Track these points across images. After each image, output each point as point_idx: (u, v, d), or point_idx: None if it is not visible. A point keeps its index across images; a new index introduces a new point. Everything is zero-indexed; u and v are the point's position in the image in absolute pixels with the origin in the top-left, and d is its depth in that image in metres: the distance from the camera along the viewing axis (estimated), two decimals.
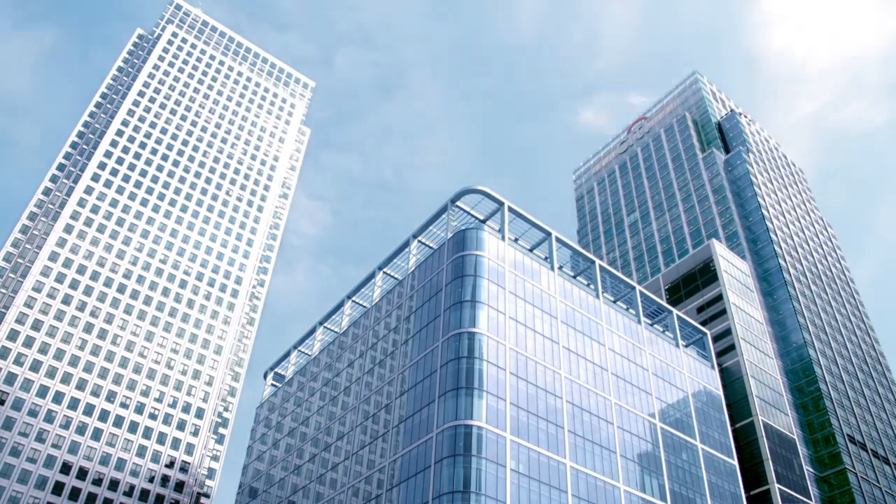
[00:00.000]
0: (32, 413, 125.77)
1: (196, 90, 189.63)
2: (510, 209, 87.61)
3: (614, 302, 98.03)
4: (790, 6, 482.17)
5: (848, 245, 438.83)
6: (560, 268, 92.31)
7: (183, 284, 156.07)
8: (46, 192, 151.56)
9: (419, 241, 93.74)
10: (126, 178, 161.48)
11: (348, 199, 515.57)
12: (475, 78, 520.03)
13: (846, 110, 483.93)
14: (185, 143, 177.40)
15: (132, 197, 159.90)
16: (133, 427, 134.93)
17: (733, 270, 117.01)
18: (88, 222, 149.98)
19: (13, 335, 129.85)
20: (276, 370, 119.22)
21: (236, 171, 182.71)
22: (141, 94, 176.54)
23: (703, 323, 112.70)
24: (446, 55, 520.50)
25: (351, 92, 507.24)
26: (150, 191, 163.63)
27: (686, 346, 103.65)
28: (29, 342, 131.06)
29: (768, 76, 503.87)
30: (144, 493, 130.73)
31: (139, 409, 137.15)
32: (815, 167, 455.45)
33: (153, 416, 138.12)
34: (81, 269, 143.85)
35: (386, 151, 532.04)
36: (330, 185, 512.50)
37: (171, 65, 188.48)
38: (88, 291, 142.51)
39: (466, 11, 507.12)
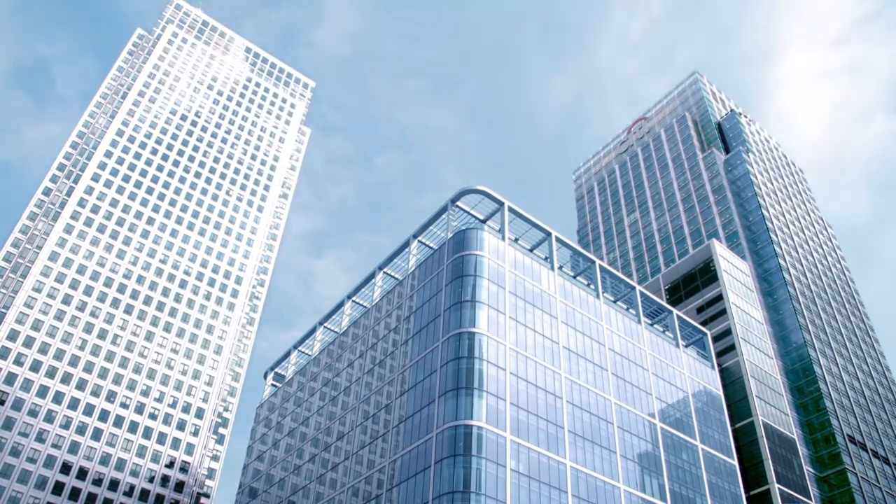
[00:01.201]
0: (32, 413, 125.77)
1: (196, 90, 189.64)
2: (510, 209, 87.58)
3: (614, 302, 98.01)
4: (782, 116, 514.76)
5: None
6: (560, 268, 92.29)
7: (183, 284, 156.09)
8: (46, 192, 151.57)
9: (419, 241, 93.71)
10: (126, 178, 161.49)
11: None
12: (501, 170, 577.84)
13: (829, 203, 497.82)
14: (184, 143, 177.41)
15: (132, 197, 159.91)
16: (133, 427, 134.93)
17: (733, 270, 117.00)
18: (88, 222, 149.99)
19: (13, 335, 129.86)
20: (276, 370, 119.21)
21: (236, 171, 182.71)
22: (141, 94, 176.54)
23: (703, 323, 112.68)
24: (474, 152, 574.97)
25: (385, 185, 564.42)
26: (150, 191, 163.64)
27: (686, 346, 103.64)
28: (29, 342, 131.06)
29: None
30: (144, 493, 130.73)
31: (139, 409, 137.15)
32: None
33: (153, 416, 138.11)
34: (81, 269, 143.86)
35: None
36: (364, 262, 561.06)
37: (171, 65, 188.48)
38: (88, 291, 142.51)
39: (494, 116, 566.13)
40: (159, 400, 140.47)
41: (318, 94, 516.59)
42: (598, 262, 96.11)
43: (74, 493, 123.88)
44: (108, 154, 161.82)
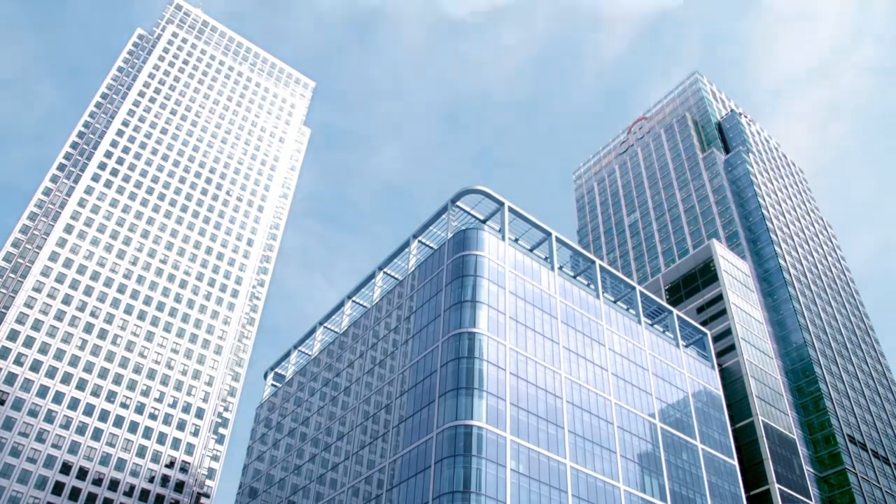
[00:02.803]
0: (32, 413, 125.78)
1: (196, 90, 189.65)
2: (510, 209, 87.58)
3: (614, 302, 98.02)
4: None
5: None
6: (560, 268, 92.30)
7: (183, 284, 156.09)
8: (46, 192, 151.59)
9: (419, 241, 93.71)
10: (126, 178, 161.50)
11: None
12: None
13: None
14: (185, 143, 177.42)
15: (132, 197, 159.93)
16: (133, 427, 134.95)
17: (733, 270, 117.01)
18: (88, 222, 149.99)
19: (13, 335, 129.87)
20: (276, 370, 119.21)
21: (236, 172, 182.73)
22: (141, 94, 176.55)
23: (703, 323, 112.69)
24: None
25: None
26: (150, 191, 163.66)
27: (686, 346, 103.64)
28: (29, 342, 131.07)
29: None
30: (144, 493, 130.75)
31: (139, 409, 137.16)
32: None
33: (153, 416, 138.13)
34: (81, 269, 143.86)
35: None
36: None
37: (171, 65, 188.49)
38: (88, 291, 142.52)
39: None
40: (159, 400, 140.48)
41: (376, 210, 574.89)
42: (598, 262, 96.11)
43: (74, 493, 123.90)
44: (108, 154, 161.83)
